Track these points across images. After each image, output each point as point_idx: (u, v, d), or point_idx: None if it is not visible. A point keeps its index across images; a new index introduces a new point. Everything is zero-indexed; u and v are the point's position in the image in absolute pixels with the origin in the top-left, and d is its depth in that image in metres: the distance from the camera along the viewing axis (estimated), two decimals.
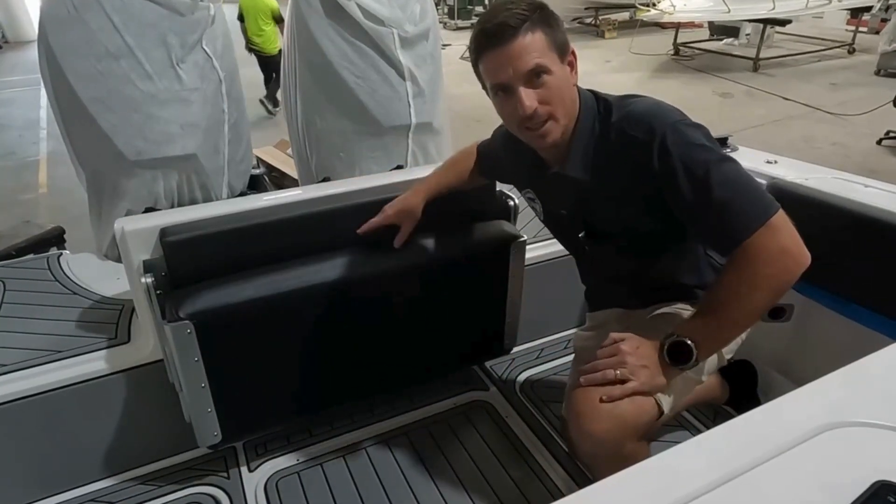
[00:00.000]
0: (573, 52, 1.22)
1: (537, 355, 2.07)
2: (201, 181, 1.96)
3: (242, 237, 1.45)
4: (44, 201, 5.07)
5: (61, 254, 1.90)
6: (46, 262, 1.82)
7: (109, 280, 1.74)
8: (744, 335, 1.33)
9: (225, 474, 1.63)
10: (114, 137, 1.77)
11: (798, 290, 1.55)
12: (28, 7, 11.97)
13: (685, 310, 1.33)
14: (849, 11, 11.01)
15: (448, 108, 2.45)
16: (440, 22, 11.97)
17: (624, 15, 12.74)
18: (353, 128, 2.15)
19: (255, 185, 2.30)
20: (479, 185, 1.65)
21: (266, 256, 1.46)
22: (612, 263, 1.41)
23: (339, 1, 1.97)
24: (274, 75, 6.84)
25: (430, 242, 1.58)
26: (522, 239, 1.69)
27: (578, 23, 12.90)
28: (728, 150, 1.90)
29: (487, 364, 2.02)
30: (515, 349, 1.94)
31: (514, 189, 1.69)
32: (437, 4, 10.64)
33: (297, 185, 2.41)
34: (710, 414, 1.79)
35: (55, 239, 2.36)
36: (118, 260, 1.68)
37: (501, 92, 1.19)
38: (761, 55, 9.13)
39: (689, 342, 1.11)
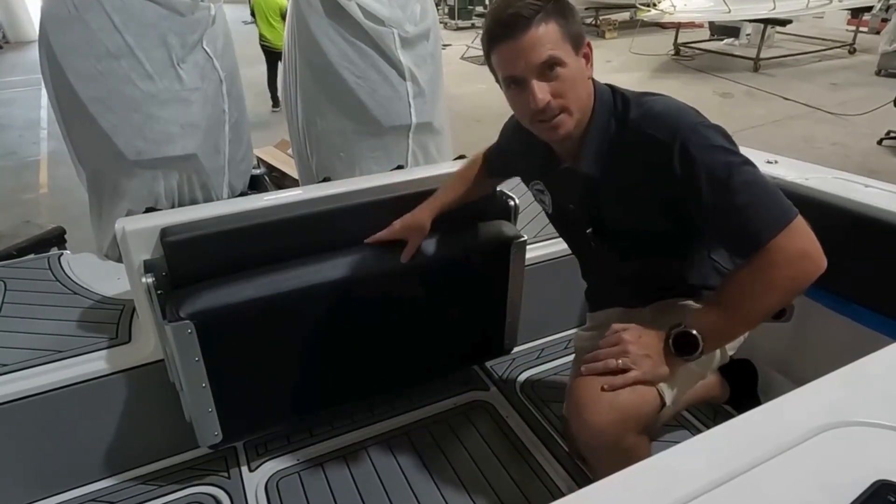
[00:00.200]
0: (589, 45, 1.18)
1: (538, 355, 2.07)
2: (202, 181, 1.96)
3: (243, 237, 1.45)
4: (44, 201, 5.07)
5: (62, 254, 1.90)
6: (47, 262, 1.82)
7: (110, 280, 1.74)
8: (747, 333, 1.33)
9: (225, 474, 1.63)
10: (114, 137, 1.77)
11: None
12: (29, 7, 11.97)
13: (688, 305, 1.32)
14: (849, 11, 11.02)
15: (448, 108, 2.45)
16: (440, 22, 11.97)
17: (624, 15, 12.74)
18: (354, 128, 2.15)
19: (255, 185, 2.30)
20: (489, 193, 1.66)
21: (266, 256, 1.46)
22: (616, 262, 1.40)
23: (339, 1, 1.97)
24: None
25: (430, 242, 1.58)
26: (523, 239, 1.69)
27: None
28: None
29: (488, 364, 2.02)
30: (516, 349, 1.94)
31: (515, 189, 1.69)
32: (437, 4, 10.65)
33: (298, 185, 2.42)
34: (710, 414, 1.79)
35: (56, 239, 2.36)
36: (119, 260, 1.68)
37: (514, 84, 1.16)
38: (762, 55, 9.13)
39: (695, 333, 1.10)
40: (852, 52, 9.89)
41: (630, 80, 8.56)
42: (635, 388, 1.12)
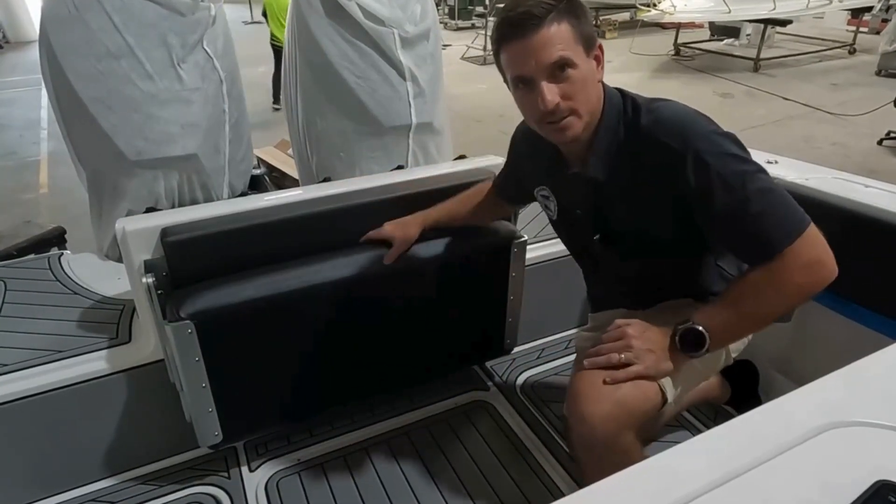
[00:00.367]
0: (600, 47, 1.17)
1: (538, 355, 2.07)
2: (202, 181, 1.96)
3: (243, 237, 1.45)
4: (44, 201, 5.07)
5: (62, 254, 1.90)
6: (47, 262, 1.82)
7: (110, 280, 1.74)
8: (751, 335, 1.33)
9: (226, 474, 1.63)
10: (114, 137, 1.77)
11: None
12: (29, 7, 11.95)
13: (694, 305, 1.32)
14: (849, 12, 11.02)
15: (448, 108, 2.45)
16: (440, 22, 11.96)
17: (624, 15, 12.73)
18: (354, 128, 2.15)
19: (255, 186, 2.30)
20: (497, 217, 1.67)
21: (267, 256, 1.46)
22: (621, 267, 1.38)
23: (339, 1, 1.97)
24: None
25: (430, 243, 1.58)
26: (523, 239, 1.69)
27: None
28: None
29: (488, 364, 2.02)
30: (516, 349, 1.94)
31: None
32: (437, 5, 10.64)
33: (298, 186, 2.42)
34: (710, 414, 1.79)
35: (56, 239, 2.36)
36: (119, 260, 1.68)
37: (522, 84, 1.14)
38: (762, 55, 9.13)
39: (702, 329, 1.10)
40: (852, 52, 9.89)
41: (630, 80, 8.56)
42: (637, 383, 1.11)
